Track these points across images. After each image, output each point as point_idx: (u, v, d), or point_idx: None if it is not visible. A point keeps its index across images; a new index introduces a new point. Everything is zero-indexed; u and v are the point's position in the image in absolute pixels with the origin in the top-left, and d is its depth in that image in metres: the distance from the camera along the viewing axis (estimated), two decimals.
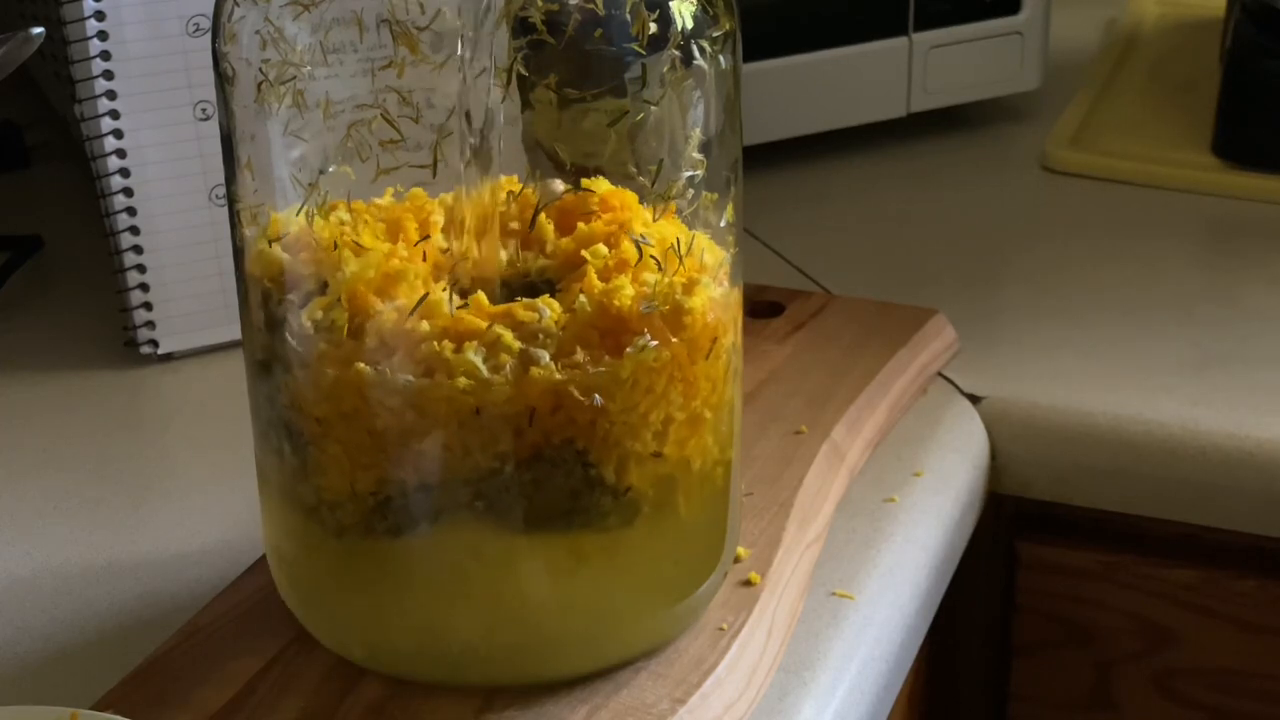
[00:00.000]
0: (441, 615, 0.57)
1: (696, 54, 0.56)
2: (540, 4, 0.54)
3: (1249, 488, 0.77)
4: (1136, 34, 1.21)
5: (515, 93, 0.56)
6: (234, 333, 0.65)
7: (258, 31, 0.55)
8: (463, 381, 0.53)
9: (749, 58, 0.62)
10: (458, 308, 0.54)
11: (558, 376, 0.53)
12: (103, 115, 0.81)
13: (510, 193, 0.59)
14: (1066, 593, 0.83)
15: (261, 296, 0.57)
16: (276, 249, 0.56)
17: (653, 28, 0.55)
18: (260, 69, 0.56)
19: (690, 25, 0.56)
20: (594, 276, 0.55)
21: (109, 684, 0.60)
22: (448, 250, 0.57)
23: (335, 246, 0.55)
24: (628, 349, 0.54)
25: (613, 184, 0.59)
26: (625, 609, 0.58)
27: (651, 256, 0.55)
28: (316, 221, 0.56)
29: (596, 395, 0.54)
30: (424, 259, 0.56)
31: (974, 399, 0.80)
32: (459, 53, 0.54)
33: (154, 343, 0.84)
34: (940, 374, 0.82)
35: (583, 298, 0.54)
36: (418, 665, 0.58)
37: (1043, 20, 1.07)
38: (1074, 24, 1.22)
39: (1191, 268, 0.94)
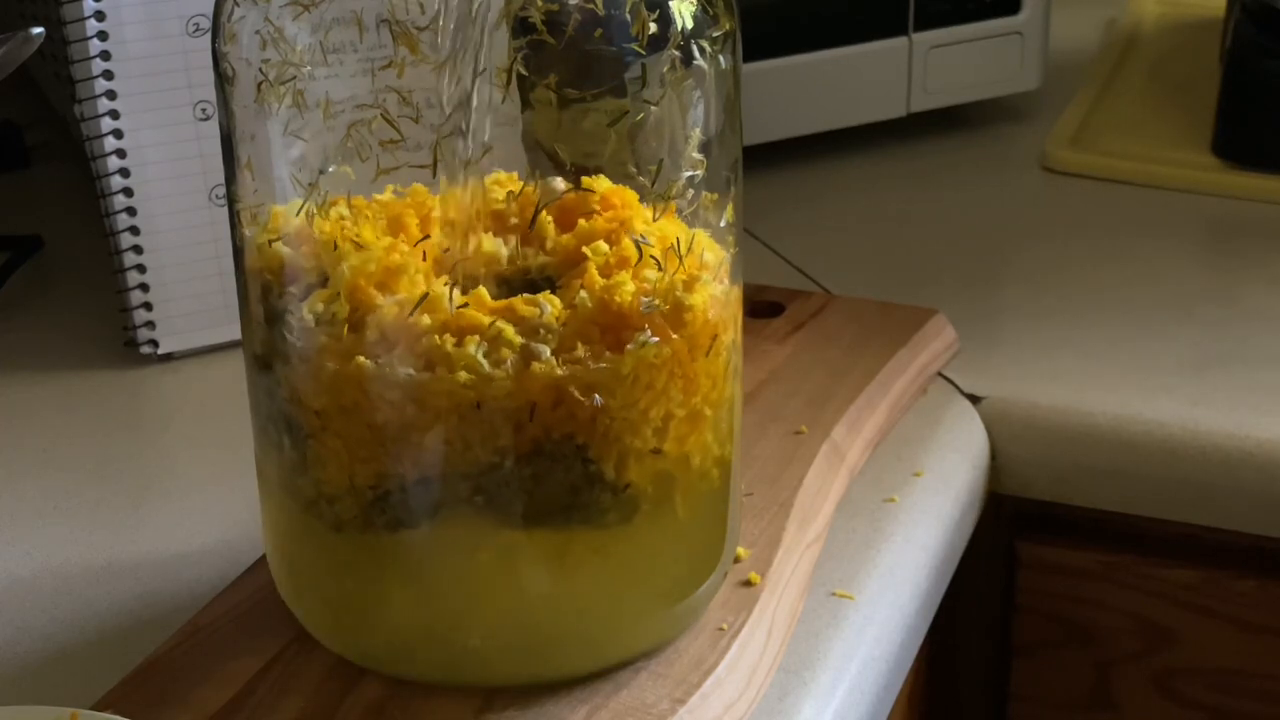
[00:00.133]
0: (441, 611, 0.57)
1: (696, 54, 0.56)
2: (540, 4, 0.54)
3: (1249, 488, 0.77)
4: (1136, 34, 1.21)
5: (515, 93, 0.56)
6: (234, 333, 0.65)
7: (258, 31, 0.56)
8: (463, 376, 0.53)
9: (749, 58, 0.62)
10: (458, 307, 0.54)
11: (559, 372, 0.53)
12: (103, 115, 0.81)
13: (510, 192, 0.59)
14: (1066, 593, 0.83)
15: (261, 290, 0.57)
16: (277, 243, 0.56)
17: (653, 28, 0.55)
18: (260, 69, 0.56)
19: (690, 25, 0.56)
20: (595, 273, 0.55)
21: (109, 684, 0.60)
22: (449, 250, 0.57)
23: (335, 248, 0.55)
24: (628, 345, 0.54)
25: (613, 183, 0.59)
26: (625, 607, 0.58)
27: (652, 256, 0.55)
28: (316, 220, 0.56)
29: (596, 395, 0.54)
30: (424, 259, 0.56)
31: (974, 399, 0.80)
32: (442, 48, 0.54)
33: (154, 343, 0.84)
34: (940, 374, 0.82)
35: (583, 293, 0.55)
36: (418, 665, 0.58)
37: (1043, 20, 1.07)
38: (1074, 24, 1.22)
39: (1191, 268, 0.94)
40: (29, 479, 0.76)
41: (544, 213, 0.58)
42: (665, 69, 0.56)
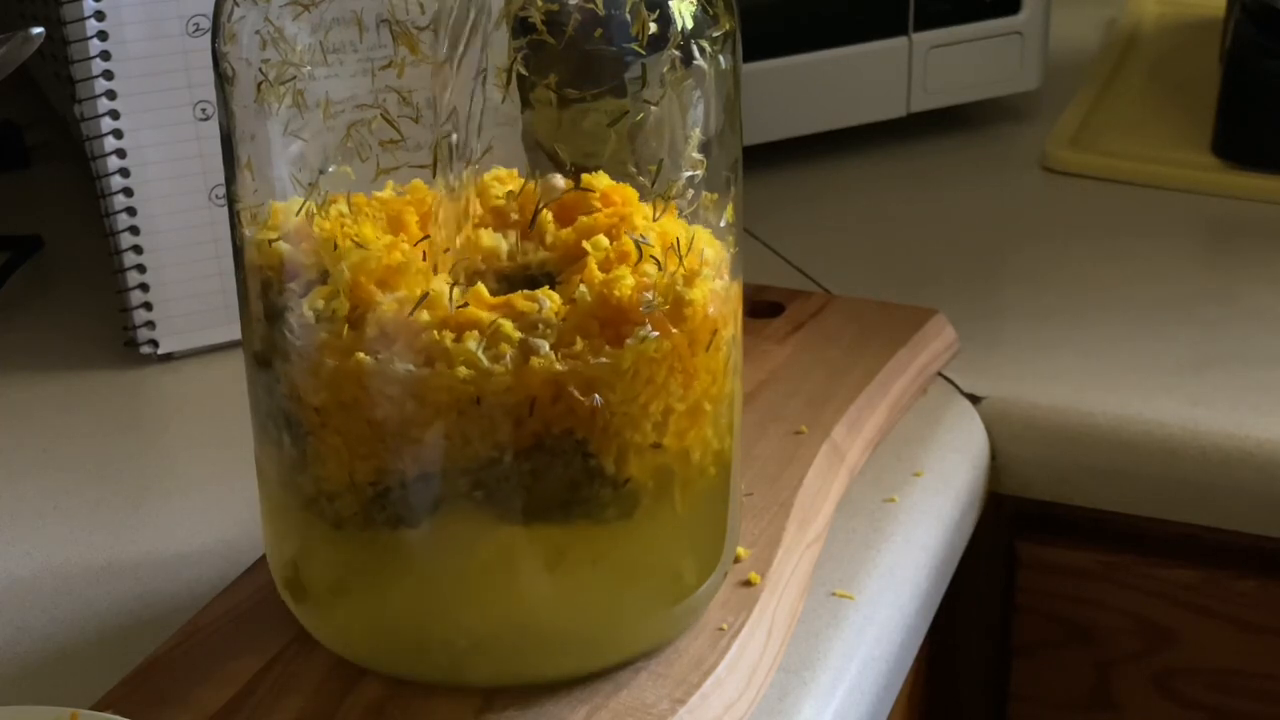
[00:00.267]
0: (441, 608, 0.57)
1: (696, 54, 0.56)
2: (540, 4, 0.54)
3: (1249, 488, 0.77)
4: (1136, 34, 1.21)
5: (515, 93, 0.56)
6: (234, 333, 0.65)
7: (258, 31, 0.56)
8: (463, 371, 0.53)
9: (749, 58, 0.62)
10: (458, 307, 0.54)
11: (558, 367, 0.53)
12: (103, 115, 0.81)
13: (510, 191, 0.59)
14: (1066, 593, 0.83)
15: (261, 286, 0.57)
16: (275, 235, 0.56)
17: (653, 28, 0.55)
18: (260, 69, 0.56)
19: (690, 25, 0.56)
20: (594, 267, 0.55)
21: (109, 684, 0.60)
22: (449, 250, 0.57)
23: (335, 247, 0.55)
24: (628, 340, 0.54)
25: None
26: (625, 606, 0.58)
27: (652, 256, 0.55)
28: (316, 219, 0.56)
29: (596, 395, 0.54)
30: (424, 258, 0.56)
31: (974, 399, 0.80)
32: (441, 48, 0.54)
33: (154, 343, 0.84)
34: (940, 374, 0.82)
35: (583, 288, 0.55)
36: (418, 665, 0.58)
37: (1043, 20, 1.07)
38: (1074, 24, 1.22)
39: (1191, 268, 0.94)
40: (29, 479, 0.76)
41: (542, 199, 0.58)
42: (665, 69, 0.56)
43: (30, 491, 0.75)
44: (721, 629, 0.61)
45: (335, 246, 0.55)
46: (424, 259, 0.56)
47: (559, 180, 0.59)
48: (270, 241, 0.56)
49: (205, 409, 0.82)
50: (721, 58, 0.57)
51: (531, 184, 0.59)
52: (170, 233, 0.83)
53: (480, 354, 0.53)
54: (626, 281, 0.55)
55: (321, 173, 0.57)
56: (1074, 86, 1.12)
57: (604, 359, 0.54)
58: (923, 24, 1.04)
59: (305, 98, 0.56)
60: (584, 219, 0.58)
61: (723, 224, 0.58)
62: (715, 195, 0.58)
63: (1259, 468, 0.76)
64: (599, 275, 0.55)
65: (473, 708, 0.57)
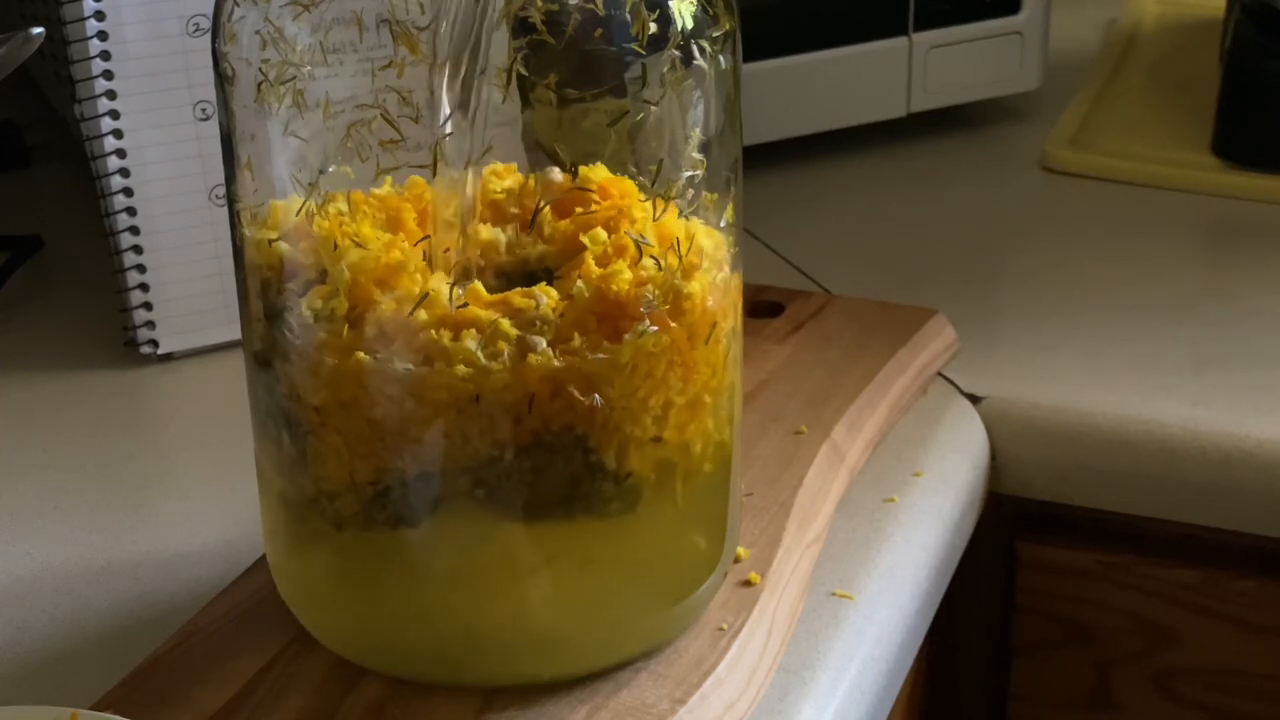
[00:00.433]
0: (441, 608, 0.57)
1: (696, 54, 0.56)
2: (540, 4, 0.54)
3: (1249, 488, 0.77)
4: (1136, 34, 1.21)
5: (515, 93, 0.56)
6: (234, 333, 0.65)
7: (258, 31, 0.56)
8: (461, 369, 0.53)
9: (749, 58, 0.62)
10: (458, 307, 0.54)
11: (556, 363, 0.53)
12: (103, 115, 0.81)
13: (510, 191, 0.59)
14: (1066, 593, 0.83)
15: (261, 286, 0.57)
16: (275, 235, 0.56)
17: (653, 28, 0.55)
18: (260, 69, 0.56)
19: (690, 25, 0.56)
20: (591, 263, 0.55)
21: (109, 684, 0.60)
22: (449, 250, 0.57)
23: (335, 248, 0.55)
24: (626, 334, 0.54)
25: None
26: (626, 604, 0.58)
27: (652, 256, 0.55)
28: (316, 219, 0.56)
29: (596, 395, 0.54)
30: (424, 258, 0.56)
31: (974, 399, 0.80)
32: (441, 47, 0.54)
33: (154, 343, 0.84)
34: (940, 374, 0.82)
35: (580, 283, 0.55)
36: (418, 665, 0.58)
37: (1043, 20, 1.07)
38: (1074, 24, 1.22)
39: (1191, 267, 0.94)
40: (29, 479, 0.76)
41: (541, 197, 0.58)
42: (665, 69, 0.56)
43: (30, 491, 0.75)
44: (721, 629, 0.61)
45: (335, 246, 0.55)
46: (424, 258, 0.56)
47: (557, 174, 0.59)
48: (270, 241, 0.56)
49: (205, 409, 0.82)
50: (721, 58, 0.57)
51: (530, 179, 0.59)
52: (170, 233, 0.83)
53: (478, 352, 0.53)
54: (624, 276, 0.55)
55: (321, 173, 0.57)
56: (1074, 86, 1.12)
57: (602, 354, 0.54)
58: (923, 24, 1.04)
59: (305, 98, 0.56)
60: (581, 211, 0.58)
61: (723, 224, 0.58)
62: (715, 195, 0.58)
63: (1259, 468, 0.76)
64: (596, 271, 0.55)
65: (473, 708, 0.57)
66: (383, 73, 0.56)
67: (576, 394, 0.54)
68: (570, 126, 0.58)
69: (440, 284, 0.55)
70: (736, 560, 0.64)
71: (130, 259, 0.82)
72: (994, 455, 0.80)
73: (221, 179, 0.63)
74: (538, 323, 0.54)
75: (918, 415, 0.79)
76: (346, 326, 0.54)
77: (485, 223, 0.58)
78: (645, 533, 0.57)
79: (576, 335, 0.54)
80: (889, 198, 1.02)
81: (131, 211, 0.82)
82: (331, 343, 0.55)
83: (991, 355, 0.83)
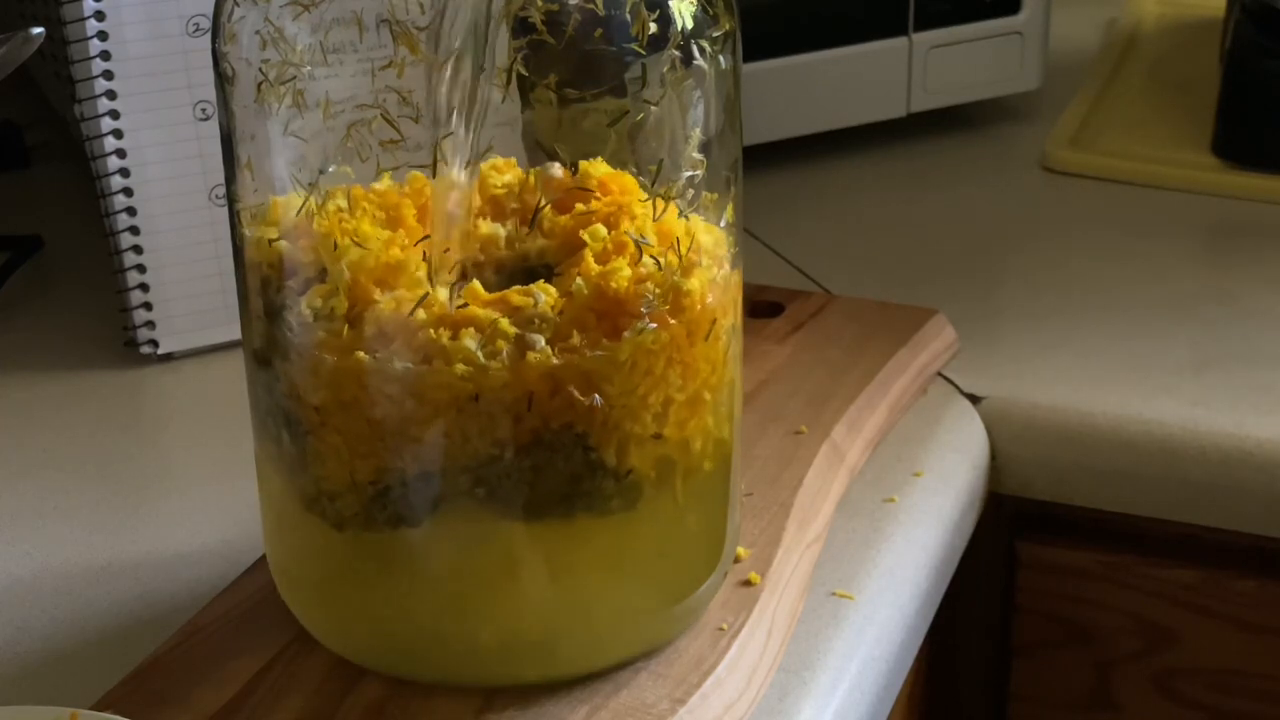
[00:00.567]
0: (442, 608, 0.57)
1: (696, 54, 0.56)
2: (540, 4, 0.54)
3: (1249, 488, 0.77)
4: (1136, 34, 1.21)
5: (515, 93, 0.56)
6: (234, 333, 0.65)
7: (258, 31, 0.56)
8: (460, 368, 0.53)
9: (749, 58, 0.62)
10: (458, 307, 0.54)
11: (554, 361, 0.53)
12: (103, 115, 0.81)
13: (509, 186, 0.59)
14: (1066, 593, 0.83)
15: (261, 283, 0.57)
16: (275, 234, 0.56)
17: (653, 28, 0.55)
18: (260, 69, 0.56)
19: (690, 25, 0.56)
20: (590, 260, 0.55)
21: (109, 684, 0.60)
22: (449, 250, 0.57)
23: (335, 247, 0.55)
24: (625, 332, 0.54)
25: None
26: (626, 603, 0.58)
27: (652, 256, 0.55)
28: (316, 219, 0.56)
29: (596, 395, 0.54)
30: (424, 258, 0.56)
31: (974, 399, 0.80)
32: (445, 47, 0.54)
33: (154, 343, 0.84)
34: (940, 374, 0.82)
35: (579, 281, 0.55)
36: (418, 665, 0.58)
37: (1043, 20, 1.07)
38: (1074, 24, 1.22)
39: (1191, 268, 0.94)
40: (29, 479, 0.76)
41: (542, 194, 0.58)
42: (665, 69, 0.56)
43: (30, 491, 0.75)
44: (721, 629, 0.61)
45: (335, 245, 0.55)
46: (424, 258, 0.56)
47: (558, 169, 0.59)
48: (270, 242, 0.56)
49: (205, 409, 0.82)
50: (721, 58, 0.57)
51: (530, 175, 0.59)
52: (170, 233, 0.83)
53: (477, 350, 0.53)
54: (623, 274, 0.55)
55: (321, 173, 0.57)
56: (1074, 86, 1.12)
57: (601, 352, 0.54)
58: (923, 24, 1.04)
59: (305, 98, 0.56)
60: (581, 207, 0.58)
61: (722, 224, 0.58)
62: (715, 195, 0.58)
63: (1259, 468, 0.76)
64: (595, 268, 0.55)
65: (473, 708, 0.57)
66: (383, 73, 0.56)
67: (576, 394, 0.54)
68: (570, 126, 0.58)
69: (440, 287, 0.55)
70: (736, 560, 0.64)
71: (130, 259, 0.82)
72: (994, 455, 0.80)
73: (221, 179, 0.63)
74: (536, 321, 0.54)
75: (918, 415, 0.79)
76: (346, 325, 0.54)
77: (485, 217, 0.58)
78: (645, 531, 0.57)
79: (575, 333, 0.54)
80: (889, 198, 1.02)
81: (131, 211, 0.82)
82: (331, 342, 0.54)
83: (991, 355, 0.83)
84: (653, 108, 0.56)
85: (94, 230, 0.86)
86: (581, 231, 0.56)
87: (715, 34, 0.57)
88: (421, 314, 0.54)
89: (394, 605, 0.57)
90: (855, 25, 1.03)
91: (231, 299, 0.63)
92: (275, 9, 0.55)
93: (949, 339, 0.83)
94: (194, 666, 0.60)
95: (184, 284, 0.83)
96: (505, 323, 0.54)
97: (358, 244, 0.55)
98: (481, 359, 0.53)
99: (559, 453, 0.54)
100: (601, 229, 0.56)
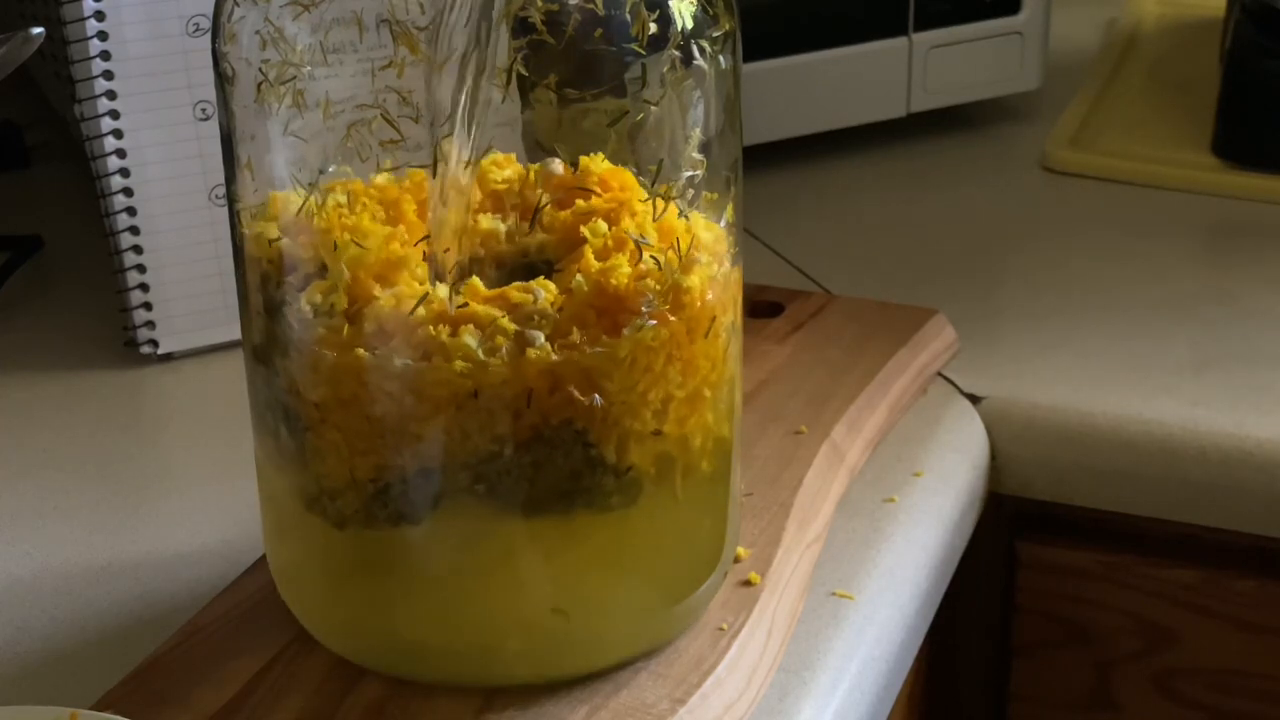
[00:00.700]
0: (442, 606, 0.57)
1: (696, 54, 0.56)
2: (540, 4, 0.54)
3: (1249, 488, 0.77)
4: (1136, 34, 1.21)
5: (515, 93, 0.56)
6: (234, 333, 0.65)
7: (258, 31, 0.56)
8: (459, 364, 0.53)
9: (749, 58, 0.62)
10: (458, 307, 0.54)
11: (554, 357, 0.53)
12: (103, 115, 0.81)
13: (509, 182, 0.59)
14: (1066, 593, 0.83)
15: (260, 279, 0.57)
16: (275, 230, 0.56)
17: (653, 28, 0.55)
18: (260, 69, 0.56)
19: (690, 25, 0.56)
20: (590, 257, 0.55)
21: (109, 684, 0.60)
22: (449, 250, 0.57)
23: (335, 247, 0.55)
24: (625, 329, 0.54)
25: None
26: (626, 602, 0.58)
27: (652, 256, 0.55)
28: (316, 218, 0.56)
29: (596, 395, 0.54)
30: (425, 258, 0.56)
31: (974, 399, 0.80)
32: (448, 47, 0.54)
33: (154, 343, 0.84)
34: (940, 374, 0.82)
35: (579, 278, 0.55)
36: (418, 665, 0.58)
37: (1043, 20, 1.07)
38: (1074, 24, 1.22)
39: (1191, 268, 0.94)
40: (29, 479, 0.76)
41: (542, 190, 0.58)
42: (665, 69, 0.56)
43: (30, 491, 0.75)
44: (721, 629, 0.61)
45: (334, 245, 0.55)
46: (424, 258, 0.56)
47: (557, 165, 0.59)
48: (271, 241, 0.56)
49: (205, 409, 0.82)
50: (721, 58, 0.57)
51: (531, 171, 0.59)
52: (170, 233, 0.83)
53: (476, 347, 0.53)
54: (623, 270, 0.55)
55: (321, 173, 0.57)
56: (1074, 86, 1.12)
57: (601, 348, 0.54)
58: (923, 24, 1.04)
59: (305, 98, 0.56)
60: (581, 203, 0.58)
61: (723, 224, 0.58)
62: (715, 195, 0.58)
63: (1259, 468, 0.76)
64: (595, 265, 0.55)
65: (473, 708, 0.57)
66: (383, 73, 0.56)
67: (576, 394, 0.54)
68: (570, 126, 0.58)
69: (440, 287, 0.55)
70: (736, 560, 0.64)
71: (130, 259, 0.82)
72: (994, 455, 0.79)
73: (221, 179, 0.63)
74: (536, 317, 0.54)
75: (918, 415, 0.79)
76: (346, 322, 0.54)
77: (485, 212, 0.58)
78: (645, 528, 0.57)
79: (575, 329, 0.54)
80: (889, 198, 1.02)
81: (131, 211, 0.82)
82: (331, 338, 0.54)
83: (991, 355, 0.83)
84: (653, 108, 0.56)
85: (94, 230, 0.86)
86: (582, 228, 0.56)
87: (715, 34, 0.57)
88: (421, 311, 0.54)
89: (394, 604, 0.57)
90: (855, 25, 1.03)
91: (231, 299, 0.63)
92: (275, 9, 0.55)
93: (949, 339, 0.83)
94: (194, 666, 0.60)
95: (184, 284, 0.83)
96: (505, 319, 0.54)
97: (357, 241, 0.55)
98: (481, 355, 0.53)
99: (559, 449, 0.54)
100: (602, 225, 0.56)
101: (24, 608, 0.67)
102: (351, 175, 0.57)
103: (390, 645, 0.58)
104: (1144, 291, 0.89)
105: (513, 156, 0.60)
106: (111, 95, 0.80)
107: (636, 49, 0.55)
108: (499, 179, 0.59)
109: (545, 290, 0.54)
